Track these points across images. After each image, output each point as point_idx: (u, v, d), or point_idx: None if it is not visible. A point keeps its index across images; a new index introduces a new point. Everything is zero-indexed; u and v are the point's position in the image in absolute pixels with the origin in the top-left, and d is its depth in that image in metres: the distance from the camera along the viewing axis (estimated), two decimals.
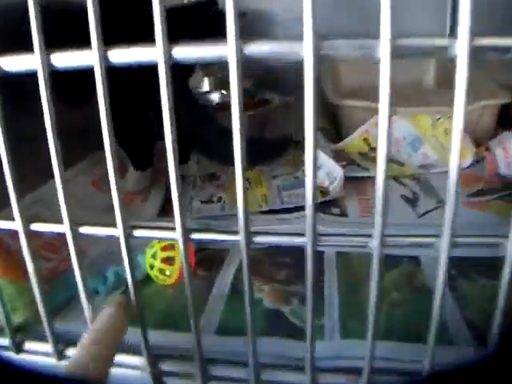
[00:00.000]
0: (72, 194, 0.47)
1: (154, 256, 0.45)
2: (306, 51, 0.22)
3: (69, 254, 0.29)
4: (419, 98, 0.90)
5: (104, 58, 0.24)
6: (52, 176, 0.28)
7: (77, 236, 0.29)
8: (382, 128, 0.23)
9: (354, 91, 0.88)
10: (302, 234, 0.26)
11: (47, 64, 0.25)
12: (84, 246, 0.44)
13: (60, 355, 0.34)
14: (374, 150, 0.77)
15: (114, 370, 0.33)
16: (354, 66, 0.99)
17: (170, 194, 0.26)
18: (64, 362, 0.34)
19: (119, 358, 0.33)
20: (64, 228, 0.29)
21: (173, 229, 0.28)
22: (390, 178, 0.68)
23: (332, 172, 0.68)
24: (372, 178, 0.69)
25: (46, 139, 0.26)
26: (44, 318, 0.33)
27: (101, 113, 0.25)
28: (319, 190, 0.65)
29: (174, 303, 0.42)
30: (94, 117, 0.26)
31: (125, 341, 0.32)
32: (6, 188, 0.29)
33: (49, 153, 0.27)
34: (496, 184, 0.66)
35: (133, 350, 0.33)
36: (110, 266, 0.46)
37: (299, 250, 0.44)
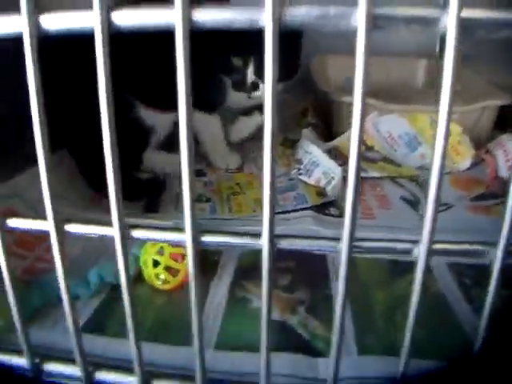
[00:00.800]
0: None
1: (159, 252, 0.40)
2: (266, 19, 0.18)
3: (45, 251, 0.25)
4: (411, 97, 0.86)
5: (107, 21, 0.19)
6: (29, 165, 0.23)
7: (62, 235, 0.25)
8: (356, 110, 0.20)
9: (342, 87, 0.85)
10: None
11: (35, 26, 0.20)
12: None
13: (37, 370, 0.30)
14: (370, 149, 0.74)
15: None
16: (342, 60, 0.95)
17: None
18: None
19: (107, 375, 0.29)
20: (48, 226, 0.24)
21: (178, 229, 0.23)
22: (387, 178, 0.67)
23: (329, 171, 0.64)
24: (370, 179, 0.65)
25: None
26: (19, 327, 0.28)
27: (100, 84, 0.20)
28: (315, 191, 0.62)
29: (165, 312, 0.37)
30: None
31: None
32: None
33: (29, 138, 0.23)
34: (497, 188, 0.63)
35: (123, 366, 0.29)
36: (91, 267, 0.41)
37: (303, 254, 0.40)
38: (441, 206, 0.59)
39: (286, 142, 0.80)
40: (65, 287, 0.26)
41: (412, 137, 0.73)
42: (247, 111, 0.74)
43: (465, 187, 0.64)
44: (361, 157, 0.21)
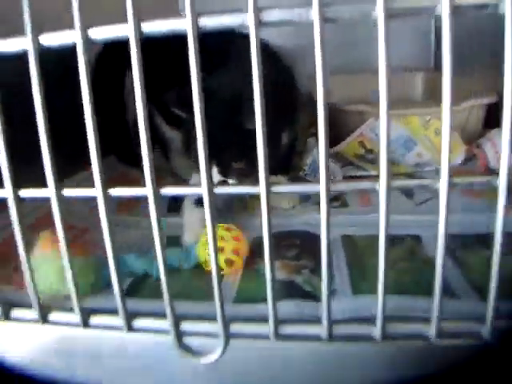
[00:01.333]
0: None
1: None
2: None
3: None
4: (406, 105, 0.94)
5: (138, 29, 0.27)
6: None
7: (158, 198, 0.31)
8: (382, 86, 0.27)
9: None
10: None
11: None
12: None
13: (129, 327, 0.36)
14: (369, 152, 0.80)
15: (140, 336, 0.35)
16: (345, 81, 1.03)
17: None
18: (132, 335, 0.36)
19: (145, 322, 0.35)
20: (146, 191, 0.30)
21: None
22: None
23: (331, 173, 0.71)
24: (369, 177, 0.72)
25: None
26: (117, 290, 0.34)
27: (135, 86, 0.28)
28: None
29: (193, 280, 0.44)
30: None
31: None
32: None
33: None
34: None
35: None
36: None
37: (307, 234, 0.47)
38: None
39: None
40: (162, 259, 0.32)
41: (407, 138, 0.80)
42: None
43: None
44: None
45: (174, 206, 0.63)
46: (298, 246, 0.49)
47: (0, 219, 0.45)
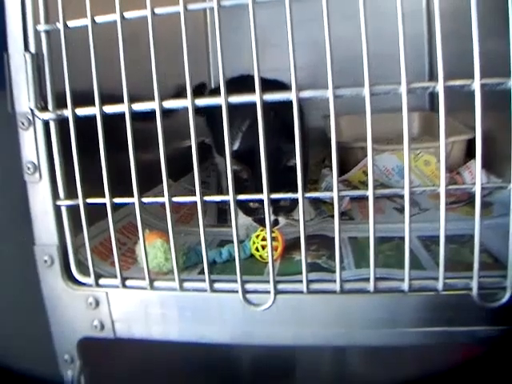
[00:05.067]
0: None
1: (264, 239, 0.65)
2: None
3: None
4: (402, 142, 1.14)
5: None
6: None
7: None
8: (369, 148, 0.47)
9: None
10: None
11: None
12: None
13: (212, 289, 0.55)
14: None
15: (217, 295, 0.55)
16: (352, 120, 1.25)
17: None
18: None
19: (222, 285, 0.55)
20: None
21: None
22: (384, 197, 0.93)
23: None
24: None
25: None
26: (205, 263, 0.53)
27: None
28: (329, 204, 0.88)
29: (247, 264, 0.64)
30: None
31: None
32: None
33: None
34: (463, 197, 0.88)
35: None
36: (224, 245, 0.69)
37: (324, 235, 0.67)
38: (421, 209, 0.85)
39: (311, 181, 1.08)
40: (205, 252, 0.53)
41: (401, 168, 1.00)
42: None
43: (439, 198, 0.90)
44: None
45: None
46: (317, 243, 0.69)
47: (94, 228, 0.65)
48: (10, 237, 0.63)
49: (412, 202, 0.88)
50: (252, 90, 0.47)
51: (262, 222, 0.71)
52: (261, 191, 0.50)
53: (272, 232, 0.64)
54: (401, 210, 0.85)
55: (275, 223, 0.72)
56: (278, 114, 0.63)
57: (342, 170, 1.07)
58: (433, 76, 1.37)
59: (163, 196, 0.52)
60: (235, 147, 0.76)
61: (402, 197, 0.51)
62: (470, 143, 1.04)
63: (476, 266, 0.48)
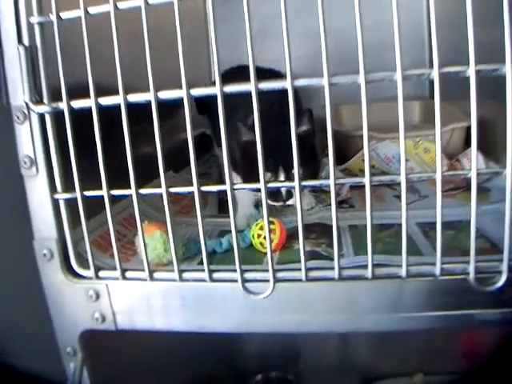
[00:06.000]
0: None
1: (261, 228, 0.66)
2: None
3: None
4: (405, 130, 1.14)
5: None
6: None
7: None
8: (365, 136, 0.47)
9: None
10: None
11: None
12: None
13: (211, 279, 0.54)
14: (372, 167, 1.00)
15: (217, 284, 0.55)
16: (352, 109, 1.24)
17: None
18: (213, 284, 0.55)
19: (221, 275, 0.55)
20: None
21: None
22: (384, 185, 0.93)
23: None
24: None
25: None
26: (204, 254, 0.53)
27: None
28: (329, 193, 0.88)
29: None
30: None
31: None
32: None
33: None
34: (462, 184, 0.88)
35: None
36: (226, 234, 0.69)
37: (323, 224, 0.67)
38: (421, 196, 0.85)
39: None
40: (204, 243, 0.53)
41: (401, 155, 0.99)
42: None
43: (442, 185, 0.90)
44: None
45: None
46: (317, 232, 0.69)
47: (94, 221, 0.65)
48: (10, 231, 0.63)
49: (412, 189, 0.89)
50: (248, 79, 0.47)
51: (272, 196, 0.72)
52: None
53: (271, 223, 0.64)
54: (401, 198, 0.85)
55: (289, 195, 0.73)
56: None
57: (343, 159, 1.07)
58: (433, 64, 1.37)
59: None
60: (249, 121, 0.74)
61: (400, 184, 0.50)
62: (469, 131, 1.04)
63: (472, 250, 0.48)
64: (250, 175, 0.69)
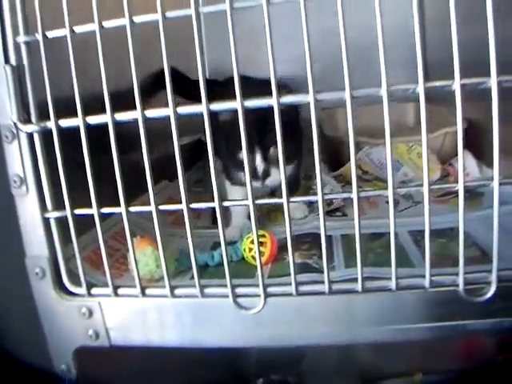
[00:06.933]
0: None
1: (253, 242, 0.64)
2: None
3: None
4: (397, 134, 1.14)
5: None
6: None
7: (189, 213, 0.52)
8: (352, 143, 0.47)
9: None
10: None
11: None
12: None
13: (203, 294, 0.54)
14: (365, 173, 1.01)
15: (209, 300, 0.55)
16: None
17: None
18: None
19: (213, 290, 0.55)
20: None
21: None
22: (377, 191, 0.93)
23: (334, 189, 0.91)
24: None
25: None
26: (194, 270, 0.53)
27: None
28: (326, 202, 0.88)
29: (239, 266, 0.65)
30: None
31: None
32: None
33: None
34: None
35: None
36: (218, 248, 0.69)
37: (316, 234, 0.67)
38: (414, 202, 0.85)
39: (306, 176, 1.08)
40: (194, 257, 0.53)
41: (395, 161, 1.00)
42: None
43: (435, 191, 0.90)
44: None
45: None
46: (309, 242, 0.69)
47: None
48: (3, 249, 0.63)
49: (405, 195, 0.89)
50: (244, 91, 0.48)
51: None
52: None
53: (262, 236, 0.64)
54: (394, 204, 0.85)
55: (265, 174, 0.72)
56: None
57: (338, 164, 1.07)
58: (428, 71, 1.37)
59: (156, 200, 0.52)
60: None
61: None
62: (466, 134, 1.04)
63: (461, 262, 0.49)
64: (230, 158, 0.75)
